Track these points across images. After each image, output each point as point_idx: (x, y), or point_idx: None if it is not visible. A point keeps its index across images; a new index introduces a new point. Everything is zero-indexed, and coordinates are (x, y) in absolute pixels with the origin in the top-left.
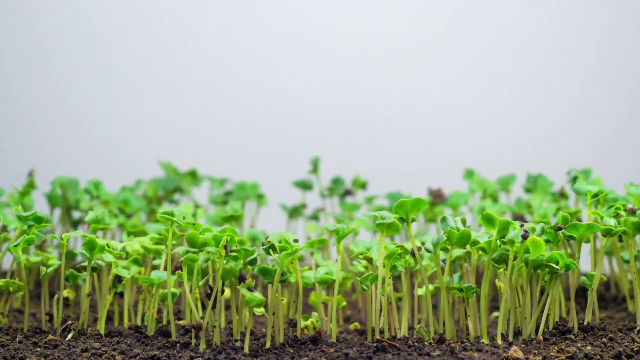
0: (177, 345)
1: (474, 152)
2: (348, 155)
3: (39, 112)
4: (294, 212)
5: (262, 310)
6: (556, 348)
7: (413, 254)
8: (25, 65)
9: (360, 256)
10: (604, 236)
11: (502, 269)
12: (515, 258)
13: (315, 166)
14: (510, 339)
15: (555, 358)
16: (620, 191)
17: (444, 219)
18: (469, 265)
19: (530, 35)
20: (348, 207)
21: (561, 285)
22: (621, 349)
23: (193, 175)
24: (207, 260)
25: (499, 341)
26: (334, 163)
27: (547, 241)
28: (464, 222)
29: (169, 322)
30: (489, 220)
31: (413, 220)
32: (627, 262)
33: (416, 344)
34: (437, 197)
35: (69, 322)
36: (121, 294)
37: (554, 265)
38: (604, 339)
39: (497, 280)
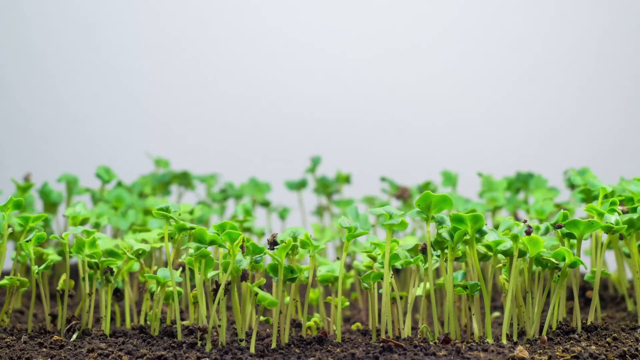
0: (184, 345)
1: (474, 152)
2: (347, 156)
3: (37, 111)
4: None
5: (276, 302)
6: (561, 348)
7: (423, 251)
8: (21, 64)
9: (365, 254)
10: (606, 233)
11: (504, 267)
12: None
13: (314, 165)
14: (515, 338)
15: (560, 358)
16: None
17: (440, 220)
18: (474, 264)
19: (531, 36)
20: (343, 204)
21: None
22: (625, 349)
23: (185, 176)
24: (225, 258)
25: (504, 341)
26: (333, 163)
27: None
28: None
29: (172, 322)
30: (459, 219)
31: (433, 218)
32: (628, 256)
33: (422, 344)
34: (403, 194)
35: (74, 322)
36: (121, 294)
37: (560, 262)
38: (608, 339)
39: (500, 277)
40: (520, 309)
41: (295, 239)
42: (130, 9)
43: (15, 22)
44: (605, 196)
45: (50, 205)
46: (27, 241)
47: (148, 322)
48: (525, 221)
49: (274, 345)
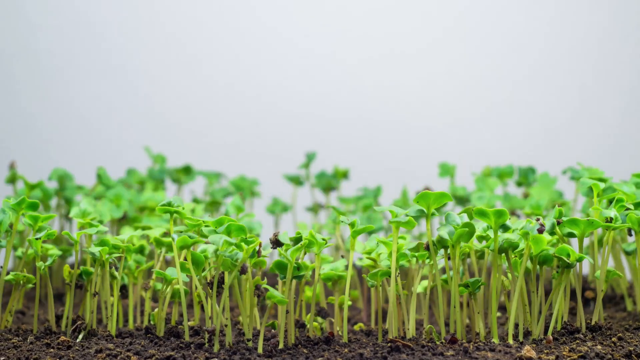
0: (192, 346)
1: (475, 152)
2: (347, 156)
3: (38, 109)
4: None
5: (285, 301)
6: (567, 348)
7: (428, 248)
8: (25, 63)
9: (365, 255)
10: (606, 229)
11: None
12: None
13: (309, 160)
14: (521, 338)
15: (567, 357)
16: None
17: (448, 215)
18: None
19: (531, 37)
20: (345, 202)
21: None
22: (631, 348)
23: (187, 170)
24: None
25: (510, 341)
26: (334, 163)
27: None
28: (469, 216)
29: (177, 323)
30: (482, 214)
31: (433, 214)
32: (628, 254)
33: (429, 344)
34: None
35: (79, 322)
36: (126, 291)
37: (564, 258)
38: (613, 339)
39: (503, 277)
40: (525, 308)
41: (300, 234)
42: (132, 9)
43: (19, 22)
44: (599, 194)
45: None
46: (37, 239)
47: (152, 322)
48: (538, 219)
49: (281, 346)
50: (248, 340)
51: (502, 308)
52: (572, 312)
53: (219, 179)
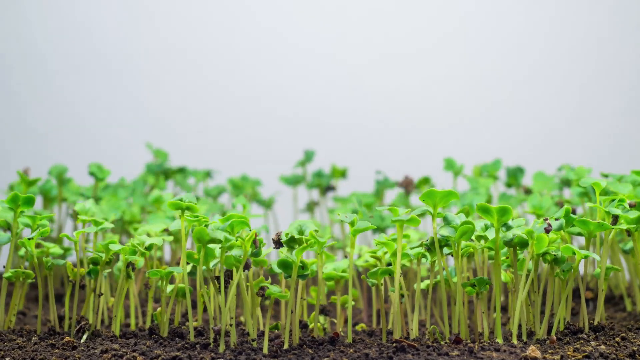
0: (197, 346)
1: (475, 153)
2: (347, 157)
3: (38, 110)
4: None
5: (286, 296)
6: (571, 347)
7: (428, 249)
8: (24, 65)
9: (370, 253)
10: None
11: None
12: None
13: (307, 158)
14: (525, 338)
15: (572, 357)
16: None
17: (446, 216)
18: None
19: (532, 39)
20: (341, 201)
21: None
22: (635, 348)
23: (182, 171)
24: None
25: (515, 341)
26: (330, 164)
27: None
28: (467, 216)
29: (180, 324)
30: (485, 210)
31: (439, 214)
32: (626, 253)
33: (434, 344)
34: (407, 186)
35: (83, 322)
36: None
37: (570, 256)
38: (617, 339)
39: (510, 275)
40: (528, 308)
41: (302, 232)
42: (130, 10)
43: (18, 25)
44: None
45: (50, 201)
46: (29, 239)
47: (155, 322)
48: (545, 219)
49: (286, 346)
50: (253, 340)
51: (502, 309)
52: (573, 312)
53: (209, 176)
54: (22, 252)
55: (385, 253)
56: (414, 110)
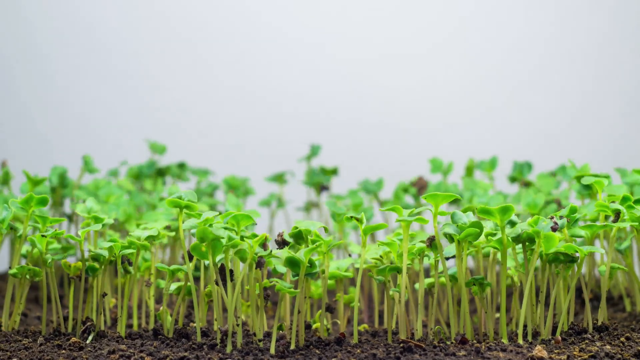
0: (204, 347)
1: (475, 154)
2: (347, 157)
3: (40, 110)
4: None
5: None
6: (577, 348)
7: (430, 245)
8: (26, 65)
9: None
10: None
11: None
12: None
13: (313, 152)
14: (530, 338)
15: (578, 357)
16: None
17: (454, 214)
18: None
19: (532, 41)
20: (337, 199)
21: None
22: None
23: (182, 167)
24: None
25: (520, 341)
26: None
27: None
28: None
29: (184, 325)
30: (486, 212)
31: (441, 213)
32: (620, 252)
33: (440, 344)
34: (421, 188)
35: (89, 323)
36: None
37: (576, 254)
38: (621, 339)
39: (514, 273)
40: (532, 308)
41: (308, 231)
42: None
43: (19, 24)
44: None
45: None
46: (43, 236)
47: (160, 322)
48: (551, 217)
49: (292, 346)
50: (259, 340)
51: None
52: (572, 312)
53: (207, 176)
54: (22, 250)
55: (388, 253)
56: (414, 110)
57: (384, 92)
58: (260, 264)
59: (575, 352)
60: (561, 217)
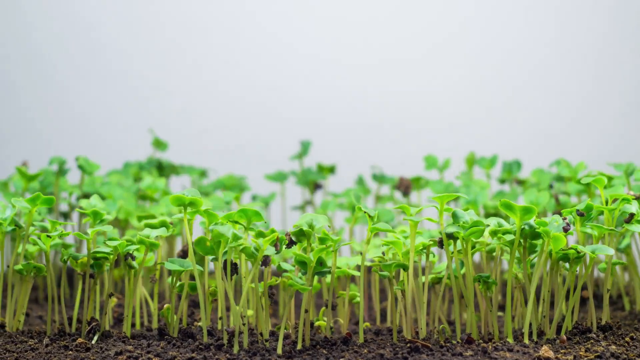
0: (212, 347)
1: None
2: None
3: (40, 110)
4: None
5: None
6: (583, 347)
7: (441, 245)
8: (27, 65)
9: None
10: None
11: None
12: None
13: (304, 150)
14: (535, 338)
15: (584, 357)
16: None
17: (455, 213)
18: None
19: (532, 42)
20: (334, 197)
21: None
22: None
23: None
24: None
25: (526, 340)
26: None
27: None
28: (478, 214)
29: (188, 324)
30: (508, 207)
31: (446, 209)
32: (620, 250)
33: (447, 344)
34: (407, 188)
35: (94, 323)
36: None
37: (589, 253)
38: (626, 338)
39: (517, 274)
40: (537, 307)
41: (312, 227)
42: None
43: (19, 24)
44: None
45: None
46: (48, 236)
47: (164, 321)
48: (564, 218)
49: (299, 346)
50: (266, 340)
51: (501, 308)
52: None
53: (205, 175)
54: (19, 249)
55: (391, 249)
56: (414, 110)
57: (383, 92)
58: (265, 262)
59: (581, 352)
60: (578, 211)
